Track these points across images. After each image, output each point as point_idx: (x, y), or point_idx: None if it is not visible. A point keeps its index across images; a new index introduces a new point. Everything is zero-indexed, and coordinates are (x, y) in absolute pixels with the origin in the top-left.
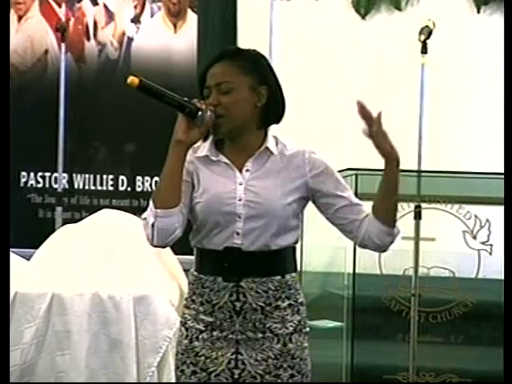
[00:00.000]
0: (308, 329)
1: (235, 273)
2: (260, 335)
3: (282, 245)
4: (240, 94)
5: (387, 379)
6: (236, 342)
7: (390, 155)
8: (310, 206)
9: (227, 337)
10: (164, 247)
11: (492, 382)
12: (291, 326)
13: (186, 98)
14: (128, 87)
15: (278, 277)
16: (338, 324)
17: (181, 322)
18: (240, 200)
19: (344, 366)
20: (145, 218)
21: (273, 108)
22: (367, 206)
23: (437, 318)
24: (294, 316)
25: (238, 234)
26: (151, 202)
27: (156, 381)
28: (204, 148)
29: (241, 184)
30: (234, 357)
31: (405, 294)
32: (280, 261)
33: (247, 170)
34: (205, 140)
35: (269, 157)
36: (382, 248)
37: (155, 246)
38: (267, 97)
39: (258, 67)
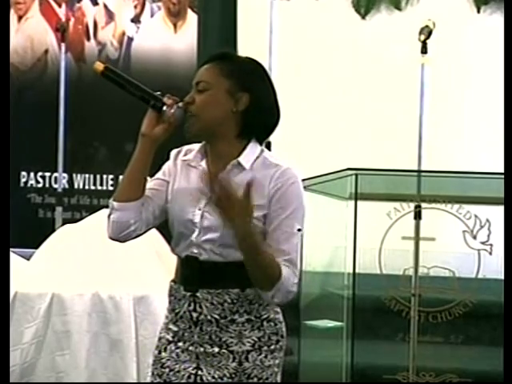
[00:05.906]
0: (275, 346)
1: (192, 282)
2: (216, 349)
3: (242, 258)
4: (214, 95)
5: (387, 379)
6: (196, 356)
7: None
8: (310, 206)
9: (189, 349)
10: (121, 241)
11: (492, 382)
12: (248, 342)
13: (158, 93)
14: (94, 73)
15: (236, 290)
16: (338, 324)
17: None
18: (199, 210)
19: (344, 365)
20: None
21: (254, 117)
22: (367, 206)
23: (437, 318)
24: (254, 332)
25: (195, 243)
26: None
27: None
28: (193, 153)
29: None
30: (194, 372)
31: (405, 293)
32: (238, 274)
33: None
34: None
35: (240, 172)
36: None
37: (111, 239)
38: (248, 104)
39: (241, 72)
